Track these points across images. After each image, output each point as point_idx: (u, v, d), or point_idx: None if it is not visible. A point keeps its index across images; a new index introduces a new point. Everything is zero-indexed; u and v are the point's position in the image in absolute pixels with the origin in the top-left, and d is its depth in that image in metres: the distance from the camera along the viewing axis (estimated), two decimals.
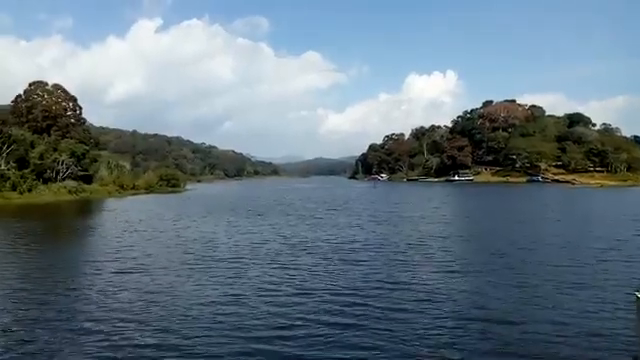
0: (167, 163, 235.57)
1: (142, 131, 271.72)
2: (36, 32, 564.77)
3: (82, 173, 77.54)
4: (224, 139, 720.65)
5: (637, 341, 7.72)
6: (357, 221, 34.38)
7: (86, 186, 75.34)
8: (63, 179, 73.30)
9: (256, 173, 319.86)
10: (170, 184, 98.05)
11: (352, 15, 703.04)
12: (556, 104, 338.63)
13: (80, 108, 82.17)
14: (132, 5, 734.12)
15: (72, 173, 74.52)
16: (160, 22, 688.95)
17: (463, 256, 20.58)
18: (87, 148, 78.13)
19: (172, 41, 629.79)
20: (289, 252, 21.77)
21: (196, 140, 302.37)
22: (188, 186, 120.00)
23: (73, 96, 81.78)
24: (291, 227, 30.95)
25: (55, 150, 73.29)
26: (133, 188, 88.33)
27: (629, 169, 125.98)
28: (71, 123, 78.41)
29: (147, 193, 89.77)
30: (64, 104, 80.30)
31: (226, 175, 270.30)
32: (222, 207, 49.75)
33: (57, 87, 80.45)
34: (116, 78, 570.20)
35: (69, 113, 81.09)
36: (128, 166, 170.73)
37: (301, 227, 30.74)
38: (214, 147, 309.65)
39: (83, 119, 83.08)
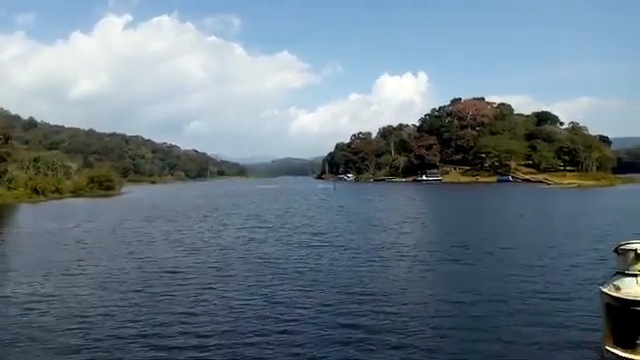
0: (123, 163, 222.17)
1: (104, 130, 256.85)
2: None
3: None
4: (192, 139, 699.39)
5: (601, 333, 7.64)
6: (272, 266, 17.61)
7: None
8: None
9: (221, 174, 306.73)
10: (103, 186, 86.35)
11: (329, 15, 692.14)
12: (524, 105, 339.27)
13: None
14: (99, 1, 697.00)
15: None
16: (129, 19, 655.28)
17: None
18: None
19: (141, 38, 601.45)
20: None
21: (162, 140, 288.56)
22: (130, 188, 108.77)
23: None
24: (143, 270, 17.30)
25: None
26: (56, 191, 76.65)
27: (598, 168, 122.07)
28: None
29: (75, 197, 78.37)
30: None
31: (187, 176, 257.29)
32: (120, 221, 37.35)
33: None
34: (81, 75, 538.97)
35: None
36: (75, 166, 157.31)
37: (169, 257, 18.73)
38: (175, 146, 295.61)
39: None
